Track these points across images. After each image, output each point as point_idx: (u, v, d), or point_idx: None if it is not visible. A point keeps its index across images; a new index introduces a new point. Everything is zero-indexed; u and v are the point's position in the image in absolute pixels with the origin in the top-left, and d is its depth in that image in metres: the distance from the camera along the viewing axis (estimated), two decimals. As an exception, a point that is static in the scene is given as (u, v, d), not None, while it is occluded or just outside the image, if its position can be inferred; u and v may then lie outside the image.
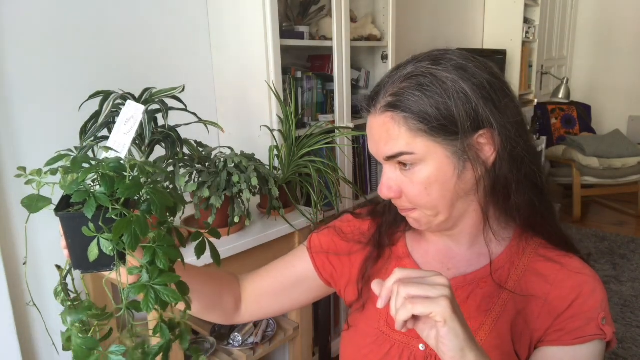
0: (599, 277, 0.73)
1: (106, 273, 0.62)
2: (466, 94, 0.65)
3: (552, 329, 0.70)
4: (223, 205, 1.33)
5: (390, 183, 0.70)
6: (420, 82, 0.65)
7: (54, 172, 0.58)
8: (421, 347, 0.74)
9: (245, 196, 1.36)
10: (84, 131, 1.16)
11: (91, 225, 0.54)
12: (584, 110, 4.51)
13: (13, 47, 1.35)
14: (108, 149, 0.65)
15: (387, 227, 0.82)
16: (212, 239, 0.69)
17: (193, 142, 1.33)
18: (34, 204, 0.59)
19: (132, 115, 0.68)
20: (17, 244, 1.41)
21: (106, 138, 1.18)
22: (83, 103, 1.19)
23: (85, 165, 0.56)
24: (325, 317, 1.27)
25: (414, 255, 0.80)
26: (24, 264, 0.69)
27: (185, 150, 1.29)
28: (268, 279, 0.88)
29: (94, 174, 0.55)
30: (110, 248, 0.54)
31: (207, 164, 1.36)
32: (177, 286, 0.57)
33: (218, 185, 1.32)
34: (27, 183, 0.59)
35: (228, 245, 1.36)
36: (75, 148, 0.64)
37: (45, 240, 1.43)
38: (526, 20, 3.62)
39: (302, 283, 0.88)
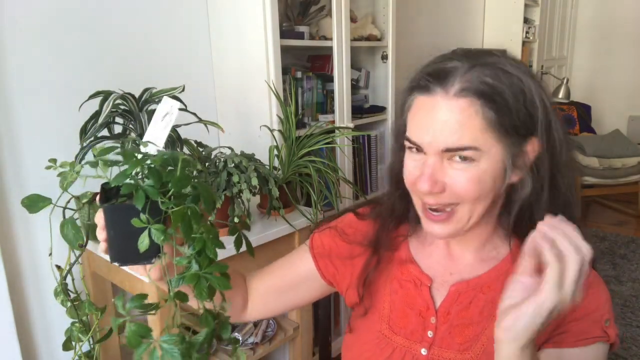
0: (602, 280, 0.73)
1: (142, 268, 0.63)
2: (544, 102, 0.64)
3: (556, 332, 0.70)
4: (223, 205, 1.33)
5: (436, 177, 0.64)
6: (508, 73, 0.62)
7: (93, 164, 0.58)
8: (423, 351, 0.74)
9: (245, 196, 1.35)
10: (84, 131, 1.16)
11: (142, 216, 0.55)
12: (584, 110, 4.50)
13: (13, 47, 1.35)
14: (147, 143, 0.66)
15: (388, 232, 0.81)
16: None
17: (193, 142, 1.33)
18: (34, 204, 0.59)
19: (168, 111, 0.69)
20: (17, 245, 1.41)
21: (106, 138, 1.19)
22: (83, 103, 1.19)
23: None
24: (325, 317, 1.26)
25: (417, 258, 0.79)
26: (50, 254, 0.70)
27: (185, 150, 1.29)
28: (272, 279, 0.89)
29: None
30: (162, 238, 0.55)
31: (207, 164, 1.36)
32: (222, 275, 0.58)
33: (218, 185, 1.32)
34: (59, 175, 0.60)
35: (228, 245, 1.35)
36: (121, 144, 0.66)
37: (45, 241, 1.43)
38: (526, 20, 3.61)
39: (304, 282, 0.88)
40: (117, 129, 1.22)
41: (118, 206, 0.58)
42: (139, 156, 0.56)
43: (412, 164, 0.67)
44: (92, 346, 0.66)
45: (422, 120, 0.64)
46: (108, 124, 1.18)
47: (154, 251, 0.57)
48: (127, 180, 0.54)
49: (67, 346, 0.67)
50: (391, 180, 0.78)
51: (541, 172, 0.66)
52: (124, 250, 0.58)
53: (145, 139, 0.68)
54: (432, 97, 0.63)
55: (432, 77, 0.63)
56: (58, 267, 0.66)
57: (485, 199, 0.66)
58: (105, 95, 1.15)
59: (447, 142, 0.61)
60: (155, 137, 0.68)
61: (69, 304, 0.65)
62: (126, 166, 0.55)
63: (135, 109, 1.17)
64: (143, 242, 0.55)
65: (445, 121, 0.61)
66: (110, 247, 0.60)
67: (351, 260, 0.84)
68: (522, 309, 0.53)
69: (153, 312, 0.56)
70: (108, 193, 0.61)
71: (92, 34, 1.51)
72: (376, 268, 0.81)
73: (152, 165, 0.55)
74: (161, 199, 0.54)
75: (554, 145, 0.66)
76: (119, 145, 0.59)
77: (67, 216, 0.63)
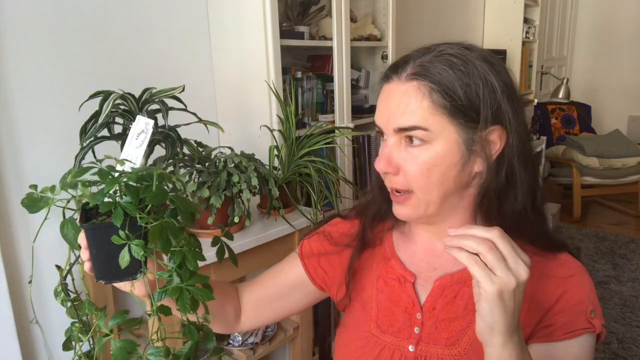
0: (586, 270, 0.73)
1: (129, 283, 0.62)
2: (494, 86, 0.66)
3: (541, 325, 0.70)
4: (223, 205, 1.33)
5: (392, 157, 0.68)
6: (453, 61, 0.66)
7: (73, 186, 0.58)
8: (411, 348, 0.74)
9: (245, 196, 1.35)
10: (84, 131, 1.16)
11: (121, 233, 0.56)
12: (584, 110, 4.50)
13: (13, 47, 1.35)
14: (124, 161, 0.67)
15: (371, 219, 0.82)
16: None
17: (193, 142, 1.33)
18: (34, 204, 0.60)
19: (142, 130, 0.69)
20: (17, 245, 1.40)
21: (106, 138, 1.19)
22: (83, 103, 1.19)
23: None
24: (325, 317, 1.27)
25: (400, 255, 0.80)
26: (29, 282, 0.70)
27: (185, 150, 1.29)
28: (264, 288, 0.89)
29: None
30: (142, 253, 0.55)
31: (207, 164, 1.36)
32: (204, 287, 0.58)
33: (218, 185, 1.32)
34: (41, 201, 0.60)
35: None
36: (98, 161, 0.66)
37: (45, 241, 1.43)
38: (526, 20, 3.62)
39: (296, 289, 0.88)
40: (117, 129, 1.22)
41: (97, 225, 0.59)
42: (115, 174, 0.56)
43: (380, 151, 0.71)
44: (92, 346, 0.66)
45: (382, 104, 0.70)
46: (108, 124, 1.18)
47: (137, 267, 0.58)
48: (105, 199, 0.55)
49: (67, 346, 0.67)
50: (374, 177, 0.81)
51: (510, 160, 0.68)
52: (107, 268, 0.59)
53: (122, 157, 0.68)
54: (389, 84, 0.69)
55: (392, 68, 0.70)
56: (58, 267, 0.67)
57: (437, 188, 0.67)
58: (105, 95, 1.15)
59: (398, 122, 0.66)
60: (131, 156, 0.69)
61: (69, 304, 0.65)
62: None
63: (135, 109, 1.17)
64: (124, 259, 0.56)
65: (397, 103, 0.66)
66: (94, 265, 0.61)
67: (339, 262, 0.85)
68: (480, 311, 0.57)
69: (137, 327, 0.57)
70: (88, 213, 0.61)
71: (92, 33, 1.51)
72: (360, 254, 0.82)
73: (129, 182, 0.56)
74: (139, 214, 0.55)
75: (516, 129, 0.68)
76: (96, 165, 0.59)
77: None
